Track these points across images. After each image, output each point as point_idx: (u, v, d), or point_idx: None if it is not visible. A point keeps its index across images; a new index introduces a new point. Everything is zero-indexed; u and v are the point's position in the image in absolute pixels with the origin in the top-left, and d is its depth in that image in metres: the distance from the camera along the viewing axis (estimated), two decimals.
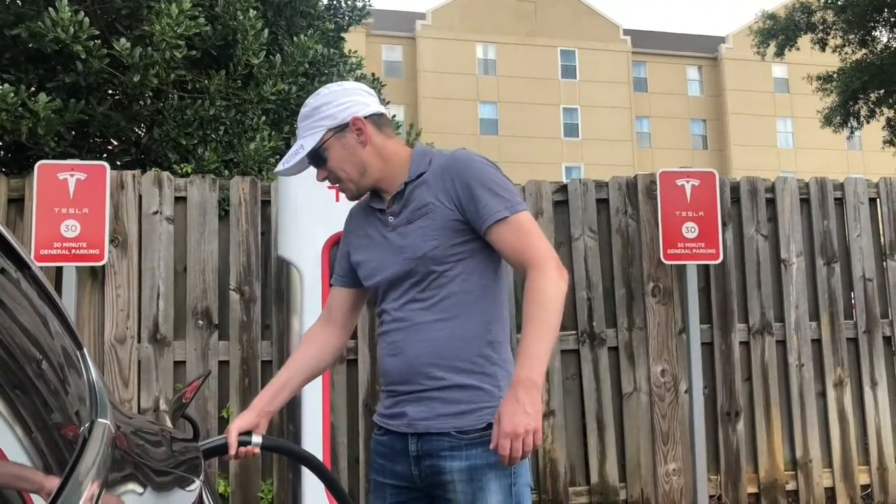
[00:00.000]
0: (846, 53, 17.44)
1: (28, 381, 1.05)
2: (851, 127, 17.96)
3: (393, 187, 1.91)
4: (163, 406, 3.95)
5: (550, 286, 1.73)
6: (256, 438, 1.96)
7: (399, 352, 1.86)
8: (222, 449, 1.94)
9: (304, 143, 1.90)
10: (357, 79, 6.47)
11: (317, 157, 1.90)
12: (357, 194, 1.96)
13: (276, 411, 2.04)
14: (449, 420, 1.79)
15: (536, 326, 1.69)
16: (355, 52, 6.94)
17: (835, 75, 17.54)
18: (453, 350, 1.80)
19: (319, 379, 3.31)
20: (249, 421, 1.96)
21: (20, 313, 1.18)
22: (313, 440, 3.27)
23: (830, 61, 19.00)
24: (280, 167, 1.95)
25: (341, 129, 1.88)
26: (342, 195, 3.20)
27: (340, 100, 1.89)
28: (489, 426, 1.75)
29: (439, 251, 1.81)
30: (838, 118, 17.59)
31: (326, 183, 1.94)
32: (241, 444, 1.93)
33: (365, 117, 1.89)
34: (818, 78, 18.03)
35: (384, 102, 6.90)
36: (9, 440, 0.88)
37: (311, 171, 1.98)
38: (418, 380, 1.82)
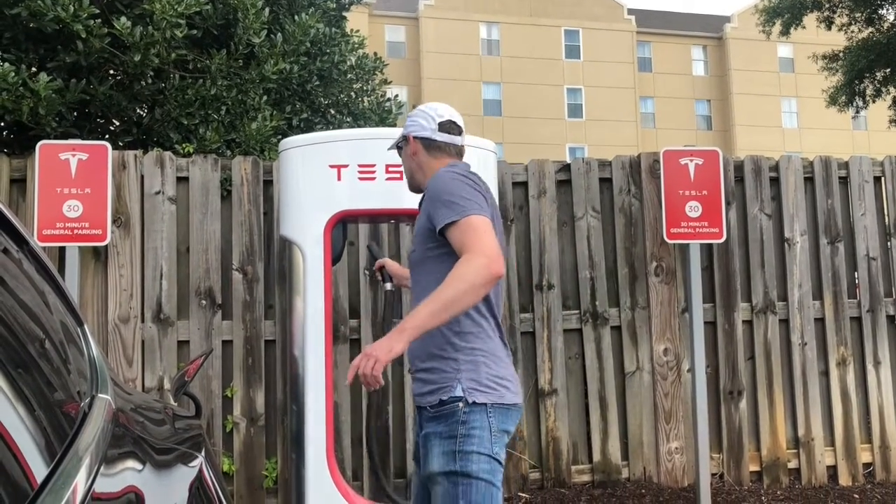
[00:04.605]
0: (852, 32, 17.27)
1: (29, 357, 1.05)
2: (857, 106, 17.80)
3: None
4: (167, 385, 3.96)
5: (464, 268, 1.97)
6: (390, 286, 3.31)
7: None
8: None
9: (398, 134, 2.51)
10: (359, 58, 6.42)
11: (398, 148, 2.50)
12: (412, 188, 2.47)
13: (401, 279, 3.13)
14: (425, 397, 2.19)
15: (431, 297, 1.98)
16: (357, 31, 6.89)
17: (841, 54, 17.38)
18: (428, 338, 2.11)
19: (322, 357, 3.31)
20: (395, 267, 3.17)
21: (21, 291, 1.18)
22: (316, 418, 3.27)
23: (836, 40, 18.84)
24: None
25: (405, 139, 2.43)
26: (344, 174, 3.27)
27: (412, 119, 2.42)
28: (441, 403, 2.13)
29: (416, 254, 2.29)
30: (844, 98, 17.44)
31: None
32: (382, 275, 3.19)
33: (416, 137, 2.38)
34: (824, 57, 17.88)
35: (386, 83, 6.86)
36: (10, 417, 0.88)
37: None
38: (413, 361, 2.27)
